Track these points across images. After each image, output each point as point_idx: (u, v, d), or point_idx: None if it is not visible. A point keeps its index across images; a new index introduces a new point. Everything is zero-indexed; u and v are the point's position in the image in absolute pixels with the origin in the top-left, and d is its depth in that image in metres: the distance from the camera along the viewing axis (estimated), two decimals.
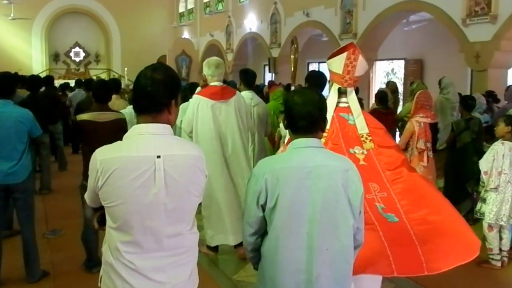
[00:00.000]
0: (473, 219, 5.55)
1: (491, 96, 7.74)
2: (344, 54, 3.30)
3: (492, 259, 4.69)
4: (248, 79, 5.59)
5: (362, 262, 2.50)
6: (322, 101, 2.20)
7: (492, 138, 5.19)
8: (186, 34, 22.99)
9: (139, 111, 1.91)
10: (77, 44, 23.47)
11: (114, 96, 5.57)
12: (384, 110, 6.95)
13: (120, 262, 1.86)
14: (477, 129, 5.80)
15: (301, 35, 14.31)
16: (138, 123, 1.91)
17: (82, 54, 23.64)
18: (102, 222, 1.98)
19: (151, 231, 1.85)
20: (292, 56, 5.06)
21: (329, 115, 3.00)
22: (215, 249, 4.83)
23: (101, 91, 4.36)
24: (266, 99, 7.35)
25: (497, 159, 4.62)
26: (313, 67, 15.99)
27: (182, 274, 1.93)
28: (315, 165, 2.08)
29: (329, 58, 3.41)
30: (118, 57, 23.39)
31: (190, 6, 23.15)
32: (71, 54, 23.48)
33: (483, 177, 4.72)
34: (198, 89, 5.54)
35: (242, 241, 4.72)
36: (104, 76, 20.51)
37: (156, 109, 1.89)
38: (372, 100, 11.38)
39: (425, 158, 5.33)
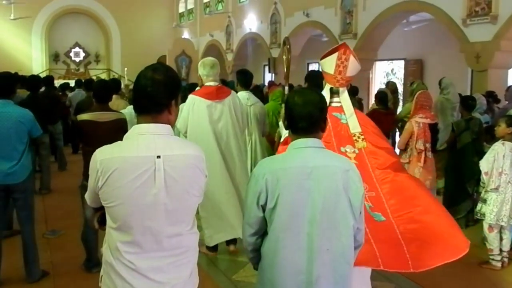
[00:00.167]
0: (473, 219, 5.56)
1: (491, 97, 7.74)
2: (335, 55, 3.33)
3: (493, 259, 4.69)
4: (244, 79, 5.62)
5: None
6: (323, 102, 2.20)
7: (492, 138, 5.18)
8: (186, 34, 22.99)
9: (139, 111, 1.91)
10: (77, 44, 23.45)
11: (114, 96, 5.57)
12: (384, 110, 6.96)
13: (120, 262, 1.86)
14: (477, 130, 5.79)
15: (301, 35, 14.33)
16: (138, 123, 1.91)
17: (82, 54, 23.63)
18: (103, 222, 1.98)
19: (151, 231, 1.85)
20: (284, 57, 5.07)
21: None
22: (215, 249, 4.84)
23: (102, 91, 4.36)
24: (266, 99, 7.35)
25: (497, 159, 4.61)
26: (313, 67, 15.98)
27: (182, 274, 1.93)
28: (315, 166, 2.08)
29: (322, 58, 3.45)
30: (118, 57, 23.38)
31: (190, 6, 23.15)
32: (71, 54, 23.47)
33: (484, 177, 4.71)
34: (197, 89, 5.55)
35: (235, 238, 4.80)
36: (104, 76, 20.50)
37: (156, 109, 1.88)
38: (372, 100, 11.39)
39: (422, 159, 5.33)
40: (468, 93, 8.23)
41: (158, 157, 1.83)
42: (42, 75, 13.28)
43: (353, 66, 3.36)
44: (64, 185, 7.63)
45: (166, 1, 24.36)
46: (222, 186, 4.62)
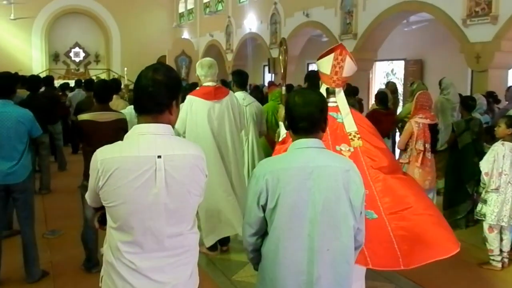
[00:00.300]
0: (473, 220, 5.56)
1: (491, 97, 7.73)
2: (332, 55, 3.40)
3: (493, 260, 4.69)
4: (241, 80, 5.65)
5: None
6: (323, 102, 2.20)
7: (492, 138, 5.18)
8: (186, 35, 23.00)
9: (140, 112, 1.91)
10: (77, 44, 23.45)
11: (114, 96, 5.57)
12: (384, 110, 6.96)
13: (121, 262, 1.85)
14: (477, 130, 5.79)
15: (301, 35, 14.33)
16: (138, 123, 1.91)
17: (82, 54, 23.63)
18: (103, 222, 1.98)
19: (152, 231, 1.85)
20: (281, 57, 5.09)
21: None
22: (215, 249, 4.84)
23: (103, 91, 4.36)
24: (266, 99, 7.35)
25: (497, 160, 4.61)
26: (313, 67, 15.97)
27: (182, 274, 1.93)
28: (316, 166, 2.08)
29: (318, 59, 3.50)
30: (118, 57, 23.38)
31: (190, 6, 23.15)
32: (71, 54, 23.47)
33: (484, 178, 4.71)
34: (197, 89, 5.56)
35: (228, 239, 4.81)
36: (103, 76, 20.50)
37: (158, 110, 1.88)
38: (372, 100, 11.39)
39: (420, 159, 5.33)
40: (468, 94, 8.22)
41: (159, 157, 1.83)
42: (42, 75, 13.29)
43: (349, 66, 3.42)
44: (63, 185, 7.63)
45: (166, 1, 24.35)
46: (218, 186, 4.62)
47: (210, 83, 4.73)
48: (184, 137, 4.66)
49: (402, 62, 13.33)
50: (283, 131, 3.78)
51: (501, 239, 4.71)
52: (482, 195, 4.78)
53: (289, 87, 7.94)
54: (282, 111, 4.95)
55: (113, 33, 23.49)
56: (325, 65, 3.44)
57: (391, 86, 9.66)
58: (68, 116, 10.04)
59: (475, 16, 8.53)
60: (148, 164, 1.82)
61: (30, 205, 4.26)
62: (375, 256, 2.81)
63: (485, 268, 4.69)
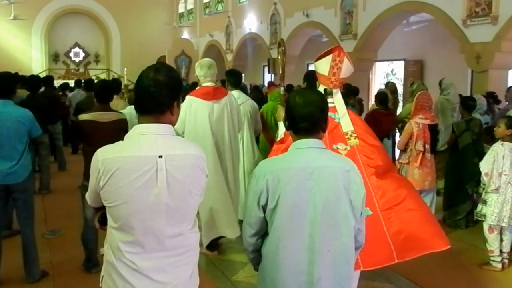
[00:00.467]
0: (473, 220, 5.56)
1: (491, 97, 7.74)
2: (330, 56, 3.44)
3: (493, 260, 4.68)
4: (234, 79, 5.66)
5: None
6: (323, 102, 2.20)
7: (492, 139, 5.17)
8: (185, 35, 23.00)
9: (141, 112, 1.91)
10: (76, 45, 23.46)
11: (114, 97, 5.57)
12: (384, 110, 6.96)
13: (121, 262, 1.85)
14: (477, 130, 5.79)
15: (301, 35, 14.34)
16: (139, 123, 1.91)
17: (82, 55, 23.63)
18: (103, 221, 1.98)
19: (153, 231, 1.84)
20: (279, 58, 5.10)
21: None
22: (215, 249, 4.83)
23: (104, 91, 4.36)
24: (266, 99, 7.35)
25: (497, 160, 4.61)
26: (313, 68, 15.99)
27: (183, 274, 1.93)
28: (316, 166, 2.08)
29: (316, 60, 3.52)
30: (118, 57, 23.39)
31: (189, 6, 23.16)
32: (71, 54, 23.47)
33: (484, 178, 4.70)
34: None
35: (220, 243, 4.80)
36: (103, 76, 20.49)
37: (159, 110, 1.88)
38: (372, 100, 11.39)
39: (419, 160, 5.33)
40: (469, 94, 8.23)
41: (160, 157, 1.83)
42: (42, 75, 13.29)
43: (346, 68, 3.46)
44: (63, 185, 7.62)
45: (166, 1, 24.36)
46: (215, 186, 4.62)
47: (209, 84, 4.75)
48: (183, 137, 4.68)
49: (402, 63, 13.33)
50: (281, 131, 3.80)
51: (501, 240, 4.71)
52: (482, 196, 4.78)
53: (290, 87, 7.95)
54: (280, 111, 4.96)
55: (113, 33, 23.49)
56: (323, 67, 3.48)
57: (391, 86, 9.65)
58: (68, 116, 10.03)
59: (475, 16, 8.53)
60: (149, 164, 1.82)
61: (30, 205, 4.25)
62: (367, 257, 2.84)
63: (485, 269, 4.69)
